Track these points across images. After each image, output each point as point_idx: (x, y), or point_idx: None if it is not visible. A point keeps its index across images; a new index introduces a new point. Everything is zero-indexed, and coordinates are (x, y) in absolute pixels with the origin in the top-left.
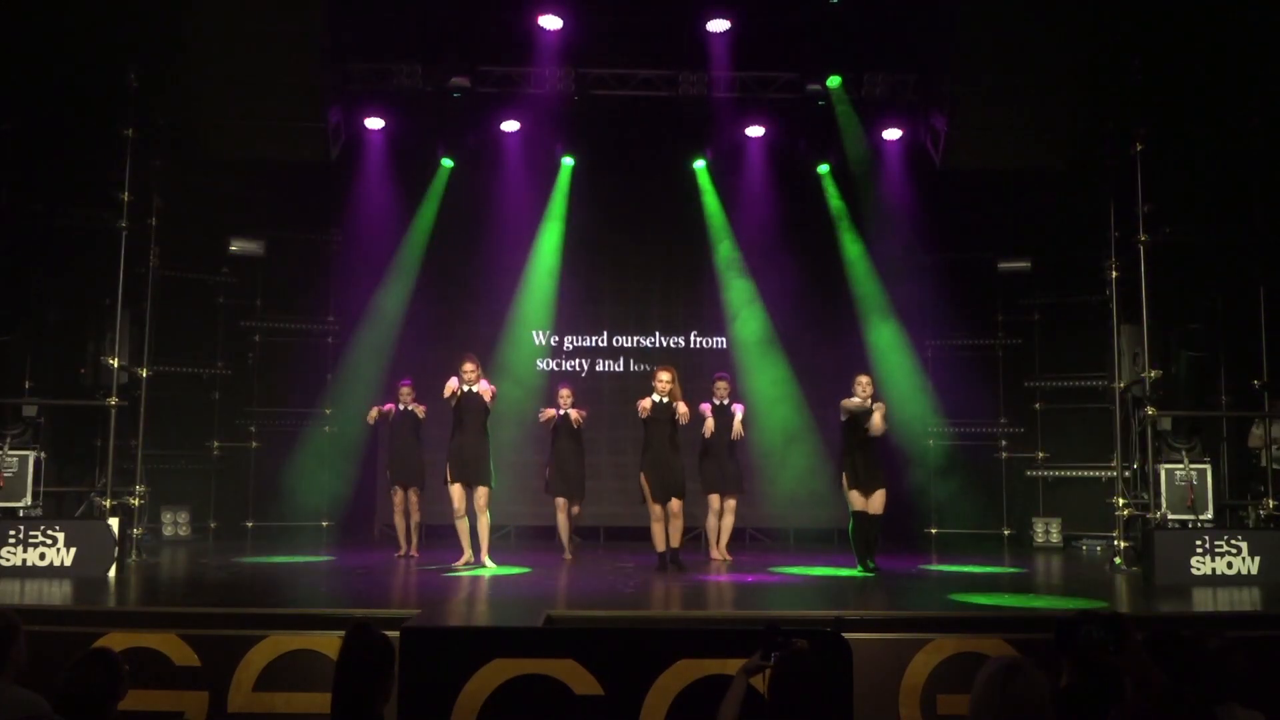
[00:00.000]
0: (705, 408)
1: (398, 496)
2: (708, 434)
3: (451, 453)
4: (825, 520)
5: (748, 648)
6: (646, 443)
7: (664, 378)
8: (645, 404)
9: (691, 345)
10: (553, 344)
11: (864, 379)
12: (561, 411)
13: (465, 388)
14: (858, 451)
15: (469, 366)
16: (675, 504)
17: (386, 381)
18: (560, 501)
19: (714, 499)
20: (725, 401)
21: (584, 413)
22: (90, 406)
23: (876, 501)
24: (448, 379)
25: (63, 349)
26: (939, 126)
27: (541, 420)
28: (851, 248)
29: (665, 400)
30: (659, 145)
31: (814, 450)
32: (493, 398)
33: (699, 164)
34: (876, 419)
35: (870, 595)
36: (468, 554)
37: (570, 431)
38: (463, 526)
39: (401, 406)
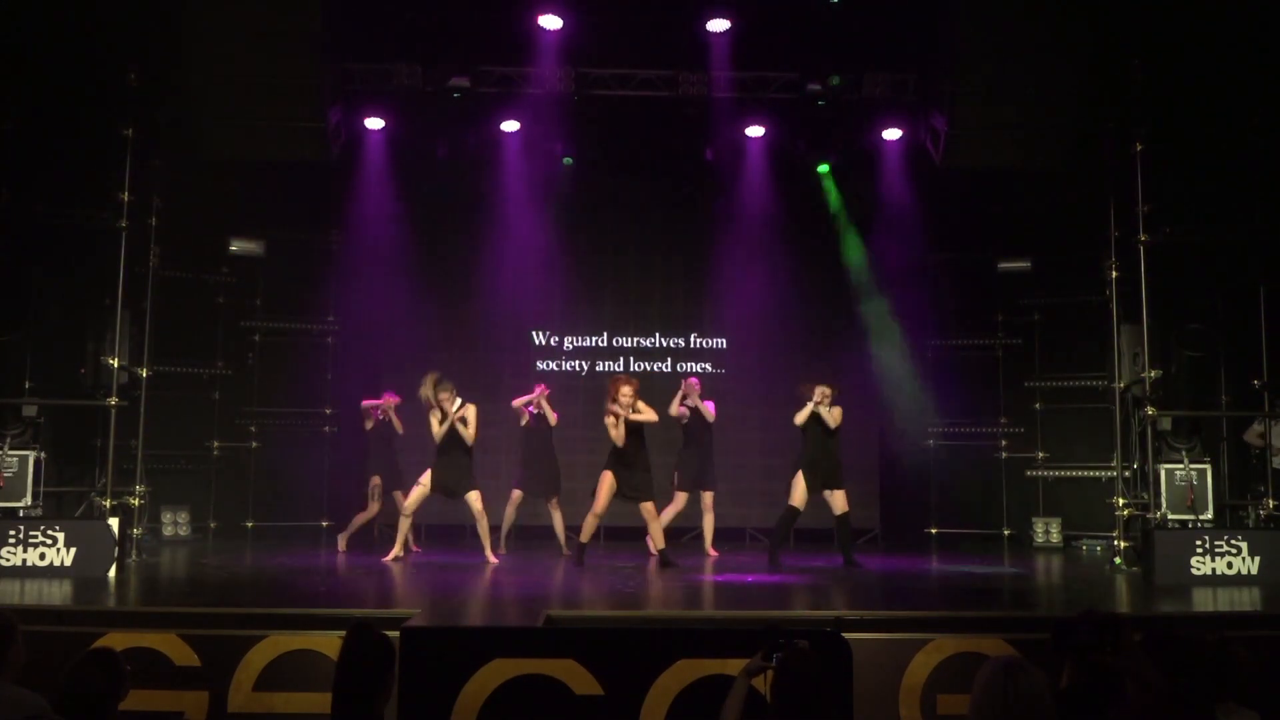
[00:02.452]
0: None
1: (378, 506)
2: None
3: (436, 467)
4: (825, 520)
5: (748, 648)
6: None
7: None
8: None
9: (691, 345)
10: (553, 344)
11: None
12: (533, 407)
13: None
14: (819, 452)
15: (444, 396)
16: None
17: (387, 382)
18: (515, 494)
19: (680, 497)
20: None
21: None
22: (90, 406)
23: (839, 501)
24: (454, 382)
25: (63, 349)
26: (939, 126)
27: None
28: (851, 248)
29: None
30: (659, 145)
31: None
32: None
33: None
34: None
35: (870, 595)
36: (397, 549)
37: (541, 428)
38: (404, 525)
39: (383, 416)
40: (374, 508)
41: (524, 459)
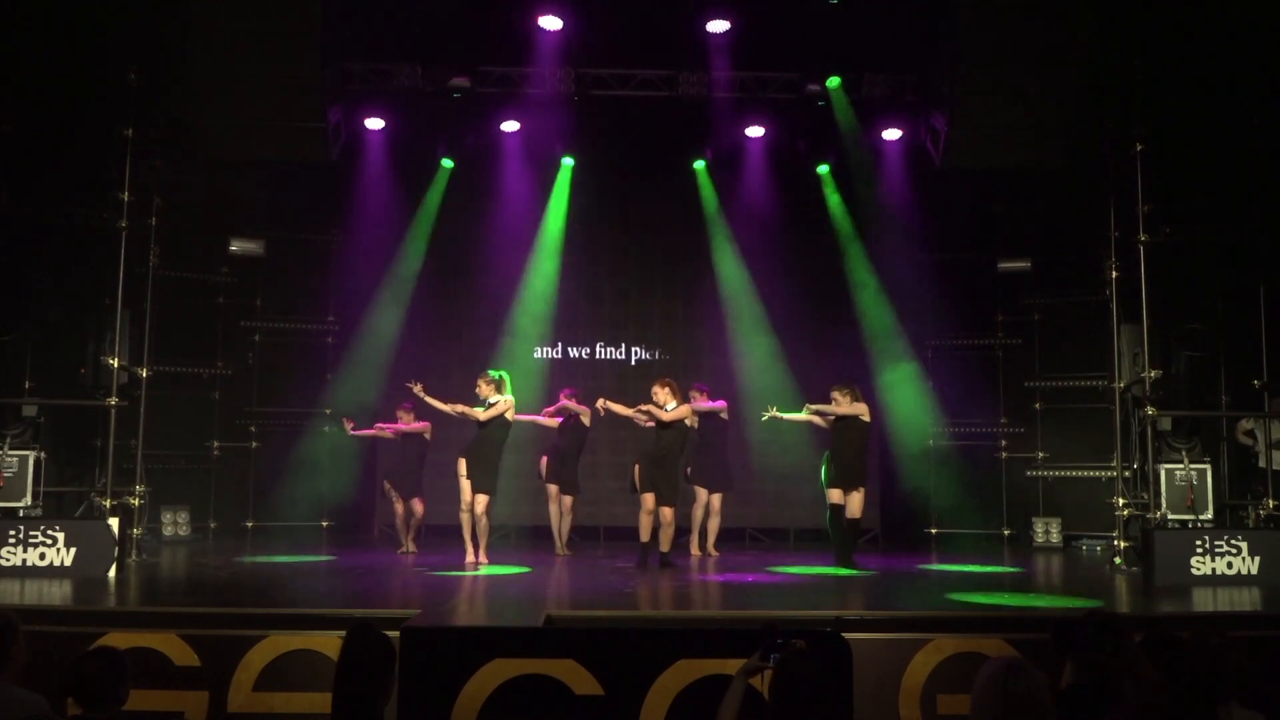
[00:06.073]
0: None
1: (400, 506)
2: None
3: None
4: (825, 520)
5: (748, 648)
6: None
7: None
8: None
9: (691, 345)
10: (552, 344)
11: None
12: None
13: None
14: (842, 452)
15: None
16: (668, 511)
17: (387, 382)
18: (553, 489)
19: (702, 494)
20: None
21: (584, 409)
22: (90, 406)
23: (855, 503)
24: (453, 381)
25: (63, 349)
26: (939, 126)
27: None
28: (851, 248)
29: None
30: (659, 145)
31: (813, 449)
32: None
33: (699, 164)
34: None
35: (870, 595)
36: (474, 553)
37: (576, 429)
38: (483, 526)
39: (404, 429)
40: (400, 507)
41: (557, 457)
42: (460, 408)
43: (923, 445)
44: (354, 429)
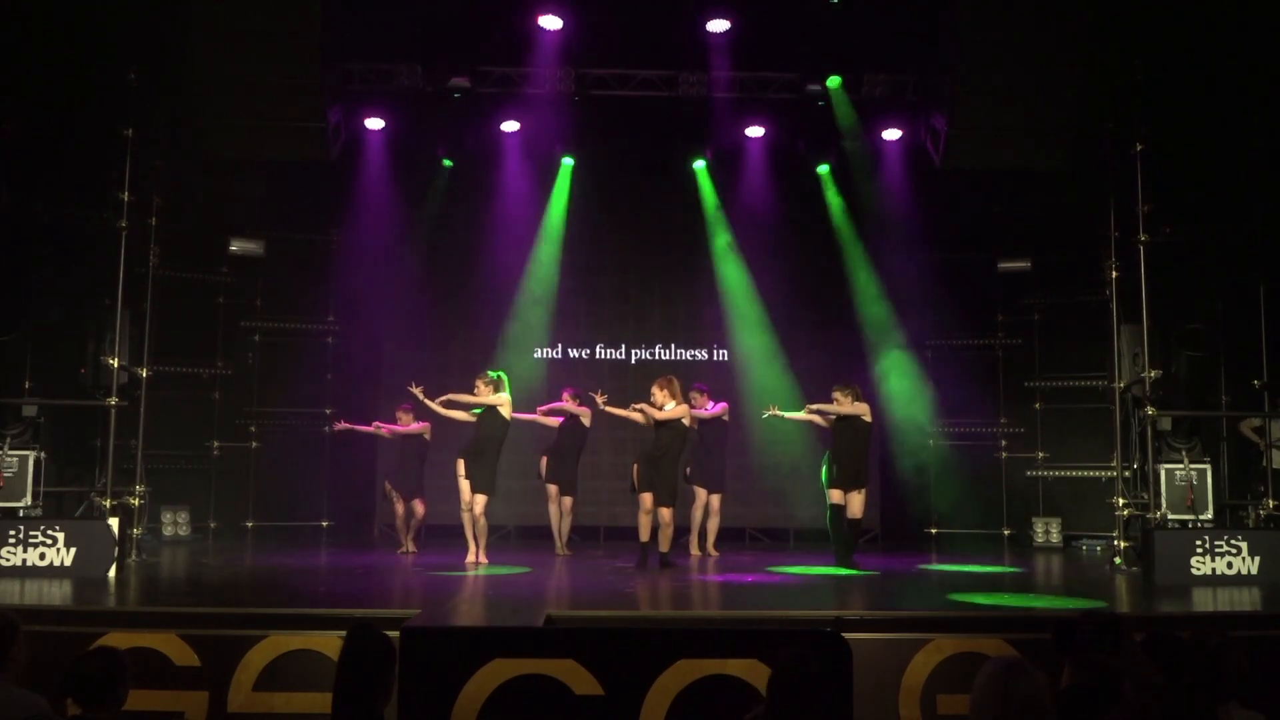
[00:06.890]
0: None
1: (400, 506)
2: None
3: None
4: (825, 520)
5: (748, 648)
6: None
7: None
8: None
9: (691, 345)
10: (552, 344)
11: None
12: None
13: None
14: (843, 452)
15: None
16: (666, 512)
17: (386, 382)
18: (552, 489)
19: (702, 494)
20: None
21: (586, 410)
22: (90, 406)
23: (855, 503)
24: (452, 381)
25: (63, 349)
26: (939, 126)
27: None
28: (851, 248)
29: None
30: (659, 145)
31: (813, 450)
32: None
33: (699, 164)
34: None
35: (870, 595)
36: (474, 554)
37: (576, 429)
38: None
39: (402, 430)
40: (400, 507)
41: (557, 457)
42: (451, 396)
43: (922, 445)
44: (345, 423)
